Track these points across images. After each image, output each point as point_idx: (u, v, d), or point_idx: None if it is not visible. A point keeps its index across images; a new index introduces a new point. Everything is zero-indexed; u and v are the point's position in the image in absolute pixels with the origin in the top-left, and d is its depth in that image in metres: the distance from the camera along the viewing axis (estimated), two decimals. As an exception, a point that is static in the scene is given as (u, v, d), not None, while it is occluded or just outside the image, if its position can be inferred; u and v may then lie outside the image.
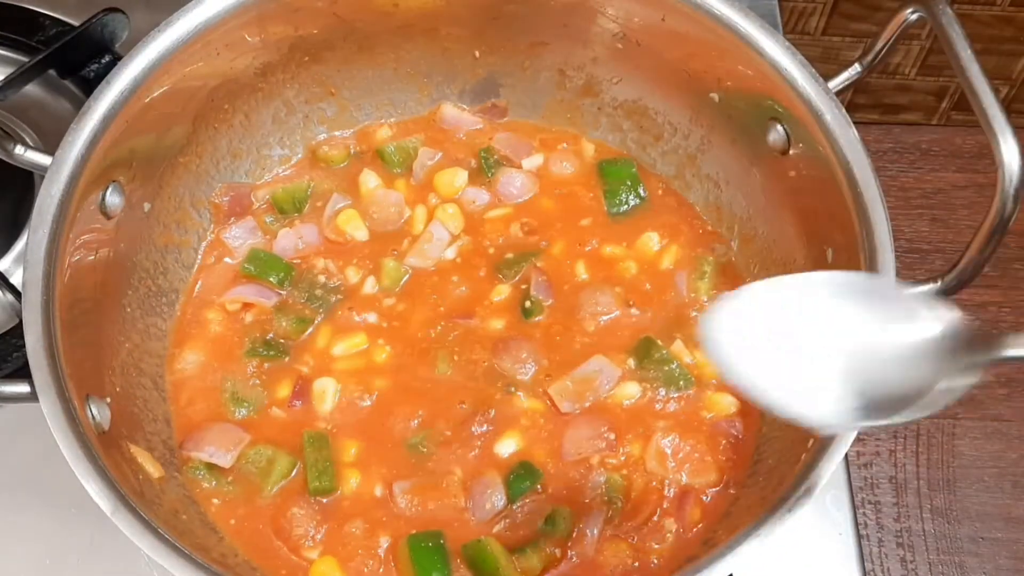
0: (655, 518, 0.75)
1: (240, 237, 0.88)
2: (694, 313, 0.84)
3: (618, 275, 0.86)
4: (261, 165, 0.92)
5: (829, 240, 0.76)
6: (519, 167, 0.92)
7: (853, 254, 0.70)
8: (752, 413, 0.80)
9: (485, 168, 0.91)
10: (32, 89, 0.98)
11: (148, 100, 0.76)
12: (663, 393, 0.80)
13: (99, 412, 0.69)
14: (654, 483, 0.77)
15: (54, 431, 0.63)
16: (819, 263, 0.77)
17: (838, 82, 0.76)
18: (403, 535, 0.74)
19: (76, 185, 0.71)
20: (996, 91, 0.66)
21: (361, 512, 0.76)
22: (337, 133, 0.94)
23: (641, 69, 0.88)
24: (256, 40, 0.83)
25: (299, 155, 0.93)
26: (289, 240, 0.87)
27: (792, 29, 1.66)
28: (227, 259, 0.88)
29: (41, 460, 0.82)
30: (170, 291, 0.85)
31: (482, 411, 0.79)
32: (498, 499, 0.75)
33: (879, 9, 1.62)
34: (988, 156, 0.63)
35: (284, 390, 0.81)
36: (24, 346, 0.65)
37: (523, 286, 0.85)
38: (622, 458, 0.78)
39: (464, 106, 0.95)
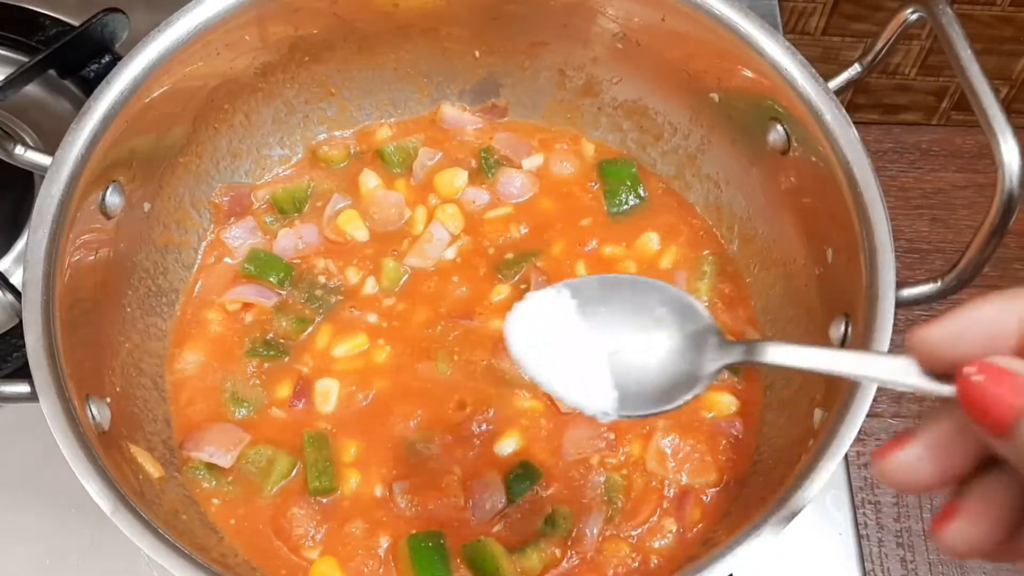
0: (655, 518, 0.75)
1: (240, 237, 0.88)
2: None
3: (618, 275, 0.86)
4: (261, 165, 0.92)
5: (829, 240, 0.76)
6: (519, 167, 0.92)
7: (853, 254, 0.70)
8: (752, 413, 0.80)
9: (485, 168, 0.91)
10: (32, 89, 0.98)
11: (148, 100, 0.76)
12: (663, 393, 0.80)
13: (99, 412, 0.69)
14: (654, 483, 0.77)
15: (54, 431, 0.63)
16: (819, 263, 0.77)
17: (838, 82, 0.76)
18: (403, 535, 0.74)
19: (76, 185, 0.71)
20: (996, 91, 0.66)
21: (361, 512, 0.76)
22: (337, 133, 0.94)
23: (641, 69, 0.88)
24: (256, 40, 0.83)
25: (299, 155, 0.93)
26: (289, 240, 0.87)
27: (792, 29, 1.66)
28: (227, 259, 0.88)
29: (41, 460, 0.82)
30: (170, 291, 0.85)
31: (482, 411, 0.79)
32: (498, 499, 0.75)
33: (879, 9, 1.62)
34: (988, 156, 0.63)
35: (284, 390, 0.81)
36: (24, 346, 0.65)
37: (523, 286, 0.85)
38: (622, 458, 0.78)
39: (464, 106, 0.95)
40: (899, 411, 1.61)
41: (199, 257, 0.88)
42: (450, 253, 0.87)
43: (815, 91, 0.74)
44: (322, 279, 0.86)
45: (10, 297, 0.84)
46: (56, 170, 0.70)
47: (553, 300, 0.60)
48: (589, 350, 0.59)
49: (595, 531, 0.74)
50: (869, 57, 0.76)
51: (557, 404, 0.79)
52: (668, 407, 0.57)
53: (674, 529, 0.75)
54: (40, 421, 0.63)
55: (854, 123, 0.73)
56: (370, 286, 0.86)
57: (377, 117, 0.95)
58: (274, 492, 0.77)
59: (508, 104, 0.95)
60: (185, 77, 0.79)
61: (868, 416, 0.64)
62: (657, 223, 0.89)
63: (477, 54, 0.92)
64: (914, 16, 0.72)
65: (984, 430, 0.42)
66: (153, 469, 0.73)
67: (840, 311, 0.73)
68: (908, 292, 0.68)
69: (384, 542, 0.75)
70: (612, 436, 0.77)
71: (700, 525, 0.75)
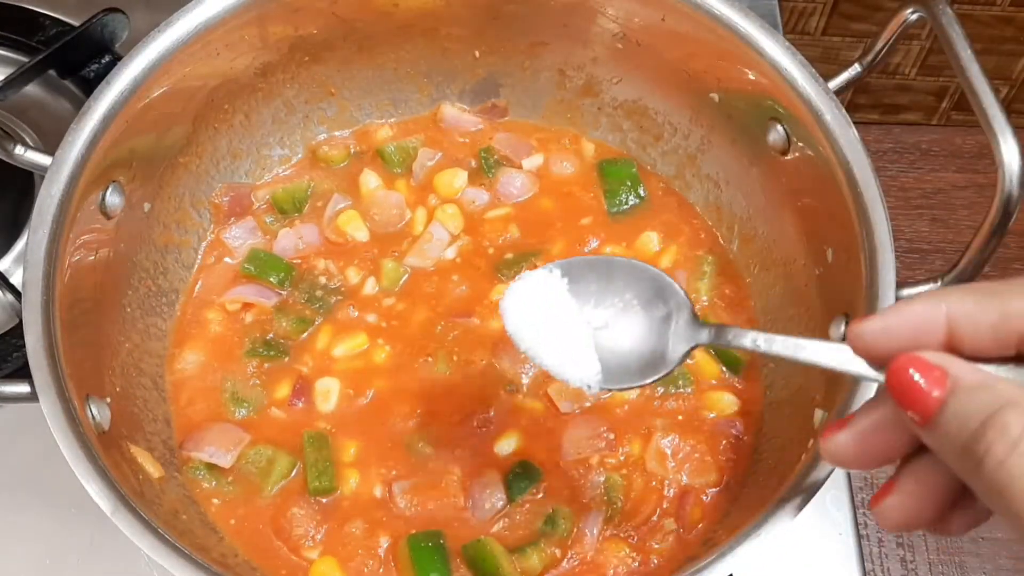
0: (655, 518, 0.75)
1: (240, 237, 0.88)
2: (694, 313, 0.84)
3: (618, 275, 0.86)
4: (261, 165, 0.92)
5: (829, 240, 0.76)
6: (519, 167, 0.92)
7: (853, 254, 0.70)
8: (752, 413, 0.80)
9: (485, 168, 0.91)
10: (32, 89, 0.98)
11: (148, 100, 0.76)
12: (662, 392, 0.80)
13: (99, 412, 0.69)
14: (654, 483, 0.77)
15: (54, 431, 0.63)
16: (819, 263, 0.77)
17: (838, 82, 0.76)
18: (403, 535, 0.74)
19: (76, 185, 0.71)
20: (996, 91, 0.66)
21: (361, 512, 0.76)
22: (337, 133, 0.94)
23: (641, 69, 0.88)
24: (256, 40, 0.83)
25: (299, 155, 0.93)
26: (289, 240, 0.87)
27: (792, 29, 1.66)
28: (227, 259, 0.88)
29: (41, 460, 0.82)
30: (170, 291, 0.85)
31: (481, 411, 0.79)
32: (498, 499, 0.75)
33: (879, 9, 1.62)
34: (988, 156, 0.63)
35: (284, 390, 0.81)
36: (24, 346, 0.65)
37: (523, 286, 0.85)
38: (621, 458, 0.78)
39: (464, 106, 0.95)
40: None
41: (199, 257, 0.88)
42: (450, 253, 0.87)
43: (815, 91, 0.74)
44: (322, 279, 0.86)
45: (10, 297, 0.84)
46: (56, 170, 0.70)
47: (545, 279, 0.64)
48: (577, 326, 0.63)
49: (595, 531, 0.74)
50: (869, 57, 0.76)
51: (557, 404, 0.79)
52: (644, 382, 0.62)
53: (674, 529, 0.75)
54: (40, 421, 0.63)
55: (854, 123, 0.73)
56: (370, 286, 0.86)
57: (377, 117, 0.95)
58: (274, 492, 0.77)
59: (508, 104, 0.95)
60: (185, 77, 0.79)
61: (868, 416, 0.63)
62: (657, 223, 0.89)
63: (477, 54, 0.92)
64: (914, 16, 0.72)
65: (910, 420, 0.45)
66: (153, 469, 0.73)
67: (840, 311, 0.73)
68: (908, 292, 0.68)
69: (384, 542, 0.75)
70: (612, 436, 0.77)
71: (700, 525, 0.75)
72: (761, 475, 0.75)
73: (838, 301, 0.74)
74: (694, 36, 0.80)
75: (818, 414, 0.70)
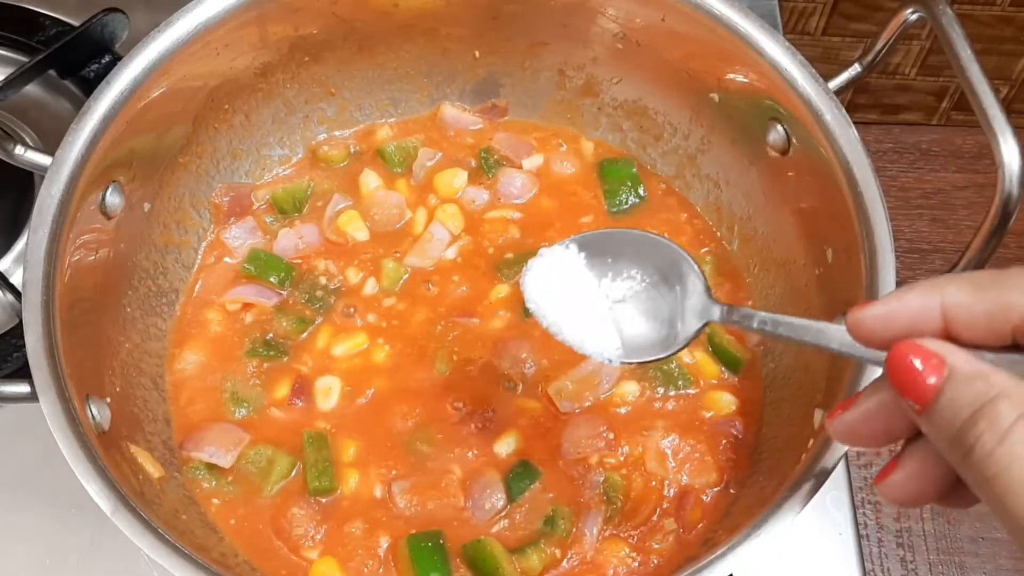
0: (655, 518, 0.75)
1: (240, 237, 0.88)
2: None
3: (618, 275, 0.86)
4: (261, 165, 0.92)
5: (829, 240, 0.76)
6: (519, 167, 0.92)
7: (853, 254, 0.70)
8: (752, 413, 0.80)
9: (485, 168, 0.91)
10: (32, 89, 0.98)
11: (148, 100, 0.76)
12: (662, 392, 0.80)
13: (99, 412, 0.69)
14: (654, 483, 0.77)
15: (54, 431, 0.63)
16: (819, 263, 0.77)
17: (838, 82, 0.76)
18: (403, 535, 0.74)
19: (76, 185, 0.71)
20: (996, 91, 0.66)
21: (361, 512, 0.76)
22: (337, 133, 0.94)
23: (641, 69, 0.88)
24: (256, 40, 0.83)
25: (299, 155, 0.93)
26: (289, 240, 0.87)
27: (792, 29, 1.66)
28: (227, 259, 0.88)
29: (41, 460, 0.82)
30: (170, 291, 0.85)
31: (481, 410, 0.79)
32: (498, 499, 0.75)
33: (879, 9, 1.62)
34: (988, 156, 0.63)
35: (284, 390, 0.81)
36: (24, 346, 0.65)
37: (523, 286, 0.85)
38: (621, 458, 0.78)
39: (464, 106, 0.95)
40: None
41: (199, 257, 0.88)
42: (450, 253, 0.87)
43: (815, 91, 0.74)
44: (322, 279, 0.86)
45: (10, 297, 0.84)
46: (56, 170, 0.70)
47: (563, 255, 0.65)
48: (596, 300, 0.64)
49: (595, 531, 0.74)
50: (869, 57, 0.76)
51: (556, 404, 0.79)
52: (660, 355, 0.63)
53: (674, 529, 0.75)
54: (40, 421, 0.63)
55: (854, 123, 0.73)
56: (370, 286, 0.86)
57: (377, 117, 0.95)
58: (274, 492, 0.77)
59: (508, 104, 0.95)
60: (185, 77, 0.79)
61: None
62: (657, 222, 0.89)
63: (477, 54, 0.92)
64: (914, 16, 0.72)
65: (907, 406, 0.46)
66: (153, 469, 0.73)
67: (840, 311, 0.73)
68: (908, 292, 0.68)
69: (384, 542, 0.75)
70: (611, 436, 0.77)
71: (700, 525, 0.75)
72: (761, 475, 0.75)
73: (838, 301, 0.74)
74: (694, 36, 0.80)
75: (818, 414, 0.70)
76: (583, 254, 0.65)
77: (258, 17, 0.80)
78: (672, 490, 0.76)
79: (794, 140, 0.78)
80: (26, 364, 0.65)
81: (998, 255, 0.66)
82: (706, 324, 0.61)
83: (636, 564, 0.74)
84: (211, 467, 0.77)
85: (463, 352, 0.82)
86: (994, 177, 0.64)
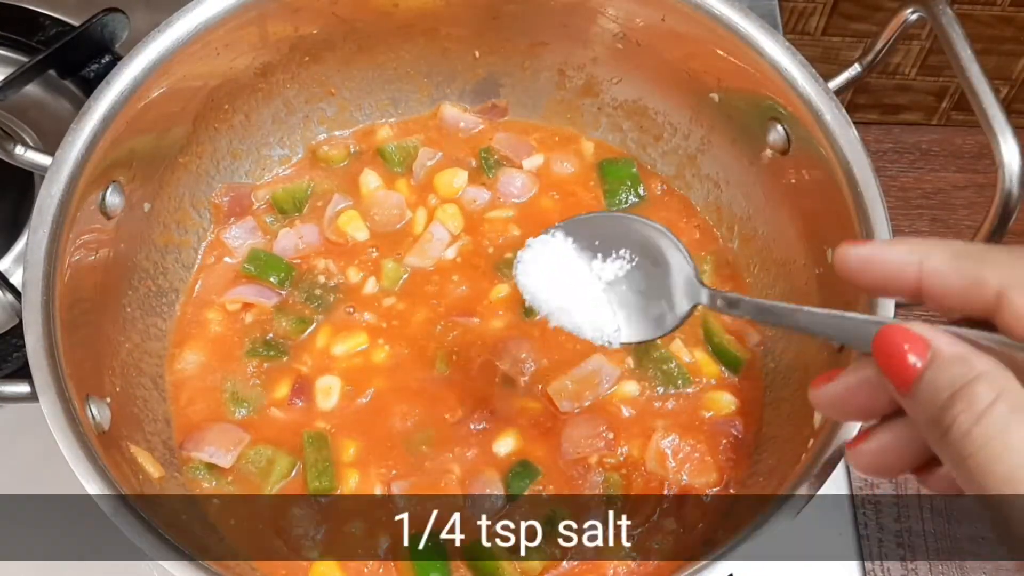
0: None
1: (240, 237, 0.88)
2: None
3: (618, 274, 0.86)
4: (261, 165, 0.92)
5: (829, 240, 0.76)
6: (519, 167, 0.92)
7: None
8: (752, 413, 0.80)
9: (485, 168, 0.91)
10: (32, 89, 0.98)
11: (148, 100, 0.76)
12: (662, 392, 0.80)
13: (99, 412, 0.69)
14: (654, 483, 0.77)
15: (54, 431, 0.63)
16: (819, 263, 0.77)
17: (838, 82, 0.76)
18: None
19: (76, 185, 0.71)
20: (996, 91, 0.66)
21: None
22: (337, 133, 0.94)
23: (641, 69, 0.88)
24: (256, 40, 0.83)
25: (299, 155, 0.93)
26: (289, 240, 0.87)
27: (792, 29, 1.66)
28: (227, 259, 0.88)
29: (41, 460, 0.82)
30: (170, 291, 0.85)
31: (480, 410, 0.79)
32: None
33: (879, 9, 1.62)
34: (988, 156, 0.63)
35: (284, 390, 0.81)
36: (24, 346, 0.65)
37: (523, 285, 0.85)
38: (621, 458, 0.78)
39: (464, 106, 0.95)
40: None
41: (199, 257, 0.88)
42: (450, 253, 0.87)
43: (815, 91, 0.74)
44: (322, 279, 0.86)
45: (10, 297, 0.84)
46: (56, 170, 0.70)
47: (550, 243, 0.66)
48: (589, 284, 0.65)
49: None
50: (869, 57, 0.76)
51: (556, 403, 0.79)
52: (656, 335, 0.64)
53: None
54: (40, 421, 0.63)
55: (854, 123, 0.73)
56: (370, 286, 0.86)
57: (377, 117, 0.95)
58: (274, 492, 0.77)
59: (508, 104, 0.95)
60: (185, 77, 0.79)
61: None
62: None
63: (477, 54, 0.92)
64: (914, 16, 0.72)
65: (891, 386, 0.47)
66: (153, 469, 0.73)
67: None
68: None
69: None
70: (611, 436, 0.77)
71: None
72: (761, 475, 0.75)
73: (838, 301, 0.73)
74: (694, 36, 0.80)
75: (818, 414, 0.70)
76: (570, 239, 0.65)
77: (258, 17, 0.80)
78: (672, 490, 0.76)
79: (794, 140, 0.78)
80: (26, 364, 0.65)
81: (998, 255, 0.66)
82: (696, 306, 0.62)
83: (636, 564, 0.73)
84: (211, 467, 0.77)
85: (463, 352, 0.82)
86: (994, 177, 0.64)
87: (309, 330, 0.84)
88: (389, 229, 0.89)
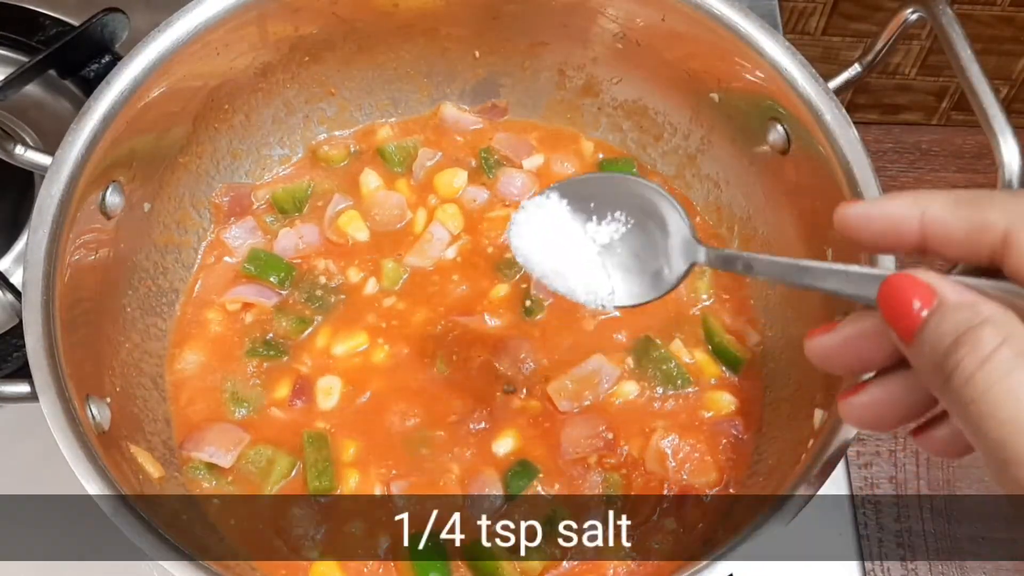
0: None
1: (240, 237, 0.88)
2: (694, 312, 0.85)
3: (618, 275, 0.86)
4: (261, 165, 0.92)
5: (829, 240, 0.76)
6: (519, 167, 0.92)
7: (853, 254, 0.70)
8: (752, 413, 0.80)
9: (485, 168, 0.91)
10: (32, 89, 0.98)
11: (148, 100, 0.76)
12: (661, 392, 0.80)
13: (99, 412, 0.69)
14: (654, 483, 0.77)
15: (54, 431, 0.63)
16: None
17: (838, 82, 0.76)
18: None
19: (76, 185, 0.71)
20: (996, 91, 0.66)
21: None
22: (337, 133, 0.94)
23: (641, 69, 0.88)
24: (256, 40, 0.83)
25: (299, 155, 0.93)
26: (289, 240, 0.87)
27: (792, 29, 1.66)
28: (227, 259, 0.88)
29: (41, 460, 0.82)
30: (170, 291, 0.85)
31: (480, 410, 0.79)
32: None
33: (879, 9, 1.62)
34: (988, 156, 0.63)
35: (284, 390, 0.81)
36: (24, 346, 0.65)
37: (523, 285, 0.85)
38: (621, 457, 0.78)
39: (464, 106, 0.95)
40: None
41: (199, 257, 0.88)
42: (450, 253, 0.87)
43: (815, 91, 0.74)
44: (322, 279, 0.86)
45: (10, 297, 0.84)
46: (56, 170, 0.70)
47: (545, 204, 0.64)
48: (584, 247, 0.63)
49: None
50: (869, 57, 0.76)
51: (556, 403, 0.79)
52: (651, 297, 0.63)
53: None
54: (40, 421, 0.63)
55: (854, 123, 0.73)
56: (371, 286, 0.86)
57: (377, 117, 0.95)
58: (274, 492, 0.77)
59: (508, 104, 0.95)
60: (185, 77, 0.79)
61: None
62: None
63: (477, 54, 0.92)
64: (914, 16, 0.72)
65: (895, 335, 0.46)
66: (153, 469, 0.73)
67: (840, 311, 0.73)
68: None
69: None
70: (611, 435, 0.77)
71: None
72: (761, 475, 0.75)
73: (838, 301, 0.73)
74: (694, 36, 0.80)
75: (818, 414, 0.70)
76: (564, 201, 0.64)
77: (258, 17, 0.80)
78: (672, 490, 0.76)
79: (794, 140, 0.78)
80: (26, 364, 0.65)
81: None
82: (693, 265, 0.61)
83: (636, 564, 0.73)
84: (211, 467, 0.77)
85: (463, 351, 0.82)
86: (994, 177, 0.64)
87: (309, 330, 0.84)
88: (389, 229, 0.89)
